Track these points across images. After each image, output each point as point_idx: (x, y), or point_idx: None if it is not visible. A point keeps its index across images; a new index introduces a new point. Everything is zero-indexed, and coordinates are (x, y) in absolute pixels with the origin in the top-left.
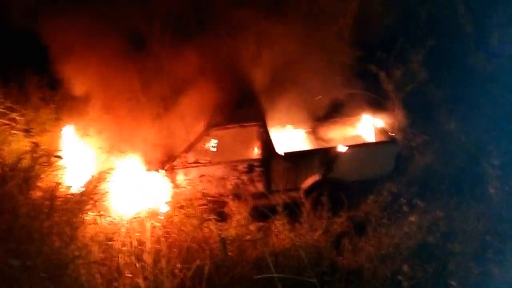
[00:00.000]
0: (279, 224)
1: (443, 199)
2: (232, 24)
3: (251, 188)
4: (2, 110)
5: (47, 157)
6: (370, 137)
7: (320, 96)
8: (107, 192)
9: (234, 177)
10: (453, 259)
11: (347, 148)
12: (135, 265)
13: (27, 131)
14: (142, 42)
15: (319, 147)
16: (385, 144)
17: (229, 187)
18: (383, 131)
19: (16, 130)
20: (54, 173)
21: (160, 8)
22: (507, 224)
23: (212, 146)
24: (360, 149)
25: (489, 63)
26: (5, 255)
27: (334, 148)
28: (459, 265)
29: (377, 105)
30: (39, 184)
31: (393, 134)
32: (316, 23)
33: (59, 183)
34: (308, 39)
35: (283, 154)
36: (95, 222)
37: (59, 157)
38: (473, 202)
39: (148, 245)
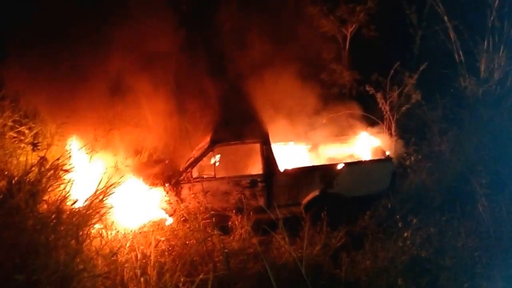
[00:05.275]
0: (280, 238)
1: (435, 216)
2: (235, 42)
3: (253, 203)
4: (10, 124)
5: (54, 171)
6: (367, 155)
7: (325, 120)
8: (112, 205)
9: (237, 192)
10: (445, 273)
11: (345, 165)
12: (139, 278)
13: (35, 145)
14: (148, 59)
15: (319, 164)
16: (381, 162)
17: (232, 201)
18: (379, 150)
19: (23, 143)
20: (61, 186)
21: (165, 26)
22: (495, 240)
23: (216, 162)
24: (357, 166)
25: (478, 87)
26: (11, 270)
27: (333, 165)
28: (450, 279)
29: (374, 125)
30: (45, 197)
31: (389, 153)
32: (318, 46)
33: (65, 197)
34: (309, 60)
35: (284, 170)
36: (100, 236)
37: (66, 171)
38: (464, 219)
39: (153, 258)
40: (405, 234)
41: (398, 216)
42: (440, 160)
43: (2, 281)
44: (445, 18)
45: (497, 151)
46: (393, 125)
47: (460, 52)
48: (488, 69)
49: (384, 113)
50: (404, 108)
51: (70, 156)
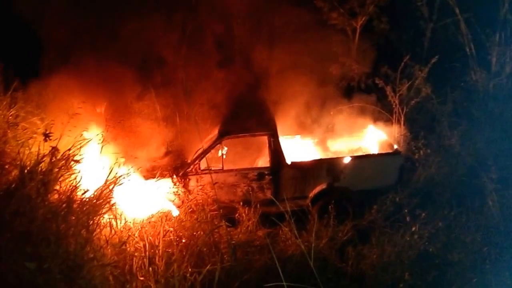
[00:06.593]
0: (286, 231)
1: (443, 211)
2: (245, 36)
3: (261, 195)
4: (23, 114)
5: (65, 161)
6: (375, 149)
7: (333, 113)
8: (121, 196)
9: (244, 184)
10: (452, 269)
11: (352, 158)
12: (148, 268)
13: (47, 135)
14: (157, 53)
15: (327, 157)
16: (389, 155)
17: (239, 194)
18: (387, 143)
19: (35, 134)
20: (72, 176)
21: (176, 20)
22: (505, 236)
23: (224, 154)
24: (365, 160)
25: (489, 81)
26: (22, 258)
27: (340, 158)
28: (457, 274)
29: (383, 118)
30: (56, 187)
31: (397, 147)
32: (326, 38)
33: (76, 187)
34: (318, 53)
35: (291, 163)
36: (110, 225)
37: (77, 161)
38: (472, 214)
39: (161, 248)
40: (413, 229)
41: (406, 210)
42: (450, 154)
43: (14, 269)
44: (457, 10)
45: (507, 145)
46: (402, 118)
47: (471, 45)
48: (500, 62)
49: (394, 106)
50: (413, 102)
51: (81, 147)
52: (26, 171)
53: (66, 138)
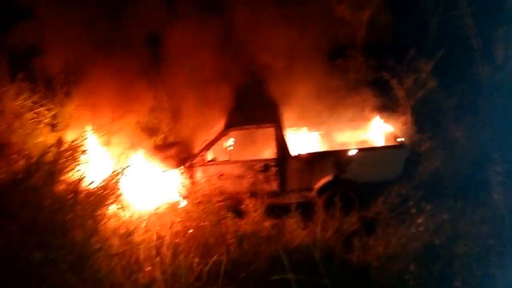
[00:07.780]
0: (292, 222)
1: (449, 203)
2: (251, 27)
3: (267, 187)
4: (30, 104)
5: (71, 152)
6: (381, 141)
7: (339, 105)
8: (128, 186)
9: (250, 176)
10: (458, 261)
11: (358, 151)
12: (154, 258)
13: (53, 126)
14: (162, 43)
15: (333, 149)
16: (394, 148)
17: (246, 185)
18: (393, 136)
19: (42, 124)
20: (78, 167)
21: (179, 9)
22: (510, 229)
23: (230, 146)
24: (370, 152)
25: (495, 74)
26: (29, 248)
27: (346, 150)
28: (463, 266)
29: (388, 110)
30: (63, 177)
31: (402, 139)
32: (332, 31)
33: (82, 177)
34: (324, 46)
35: (297, 155)
36: (116, 216)
37: (83, 151)
38: (478, 207)
39: (168, 239)
40: (418, 221)
41: (411, 203)
42: (455, 147)
43: (21, 258)
44: (463, 3)
45: None
46: (408, 111)
47: (478, 39)
48: (506, 56)
49: (399, 98)
50: (419, 95)
51: (87, 138)
52: (32, 161)
53: (72, 128)
